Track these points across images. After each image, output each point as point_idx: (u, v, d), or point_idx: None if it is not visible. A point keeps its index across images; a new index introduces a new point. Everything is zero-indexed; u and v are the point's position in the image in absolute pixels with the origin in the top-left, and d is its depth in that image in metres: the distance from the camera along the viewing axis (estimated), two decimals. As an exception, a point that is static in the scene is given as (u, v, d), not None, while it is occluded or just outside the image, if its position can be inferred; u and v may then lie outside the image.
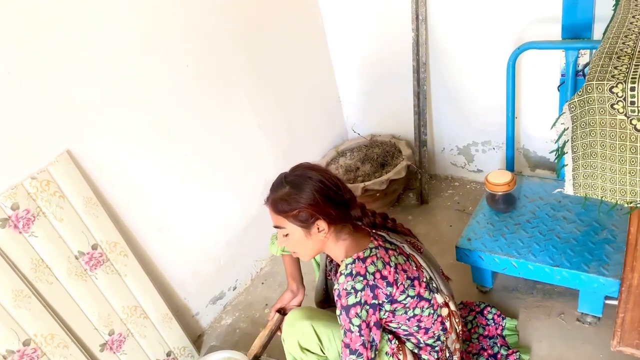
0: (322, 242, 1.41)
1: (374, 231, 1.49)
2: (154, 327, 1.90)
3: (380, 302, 1.35)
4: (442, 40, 2.36)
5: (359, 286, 1.32)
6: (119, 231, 1.75)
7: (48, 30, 1.50)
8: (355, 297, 1.32)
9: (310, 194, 1.35)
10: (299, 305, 1.73)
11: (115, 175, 1.76)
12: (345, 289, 1.33)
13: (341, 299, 1.34)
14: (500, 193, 1.96)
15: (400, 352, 1.45)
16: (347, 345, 1.35)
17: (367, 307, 1.33)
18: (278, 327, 1.67)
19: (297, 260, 1.75)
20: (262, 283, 2.44)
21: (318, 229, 1.38)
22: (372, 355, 1.36)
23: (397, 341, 1.46)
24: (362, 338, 1.33)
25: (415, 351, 1.50)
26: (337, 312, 1.36)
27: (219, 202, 2.20)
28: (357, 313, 1.32)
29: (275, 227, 1.42)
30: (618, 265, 1.66)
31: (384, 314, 1.38)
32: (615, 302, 1.52)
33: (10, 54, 1.43)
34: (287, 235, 1.41)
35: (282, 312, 1.70)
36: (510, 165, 2.22)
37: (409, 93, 2.51)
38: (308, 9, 2.56)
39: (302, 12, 2.53)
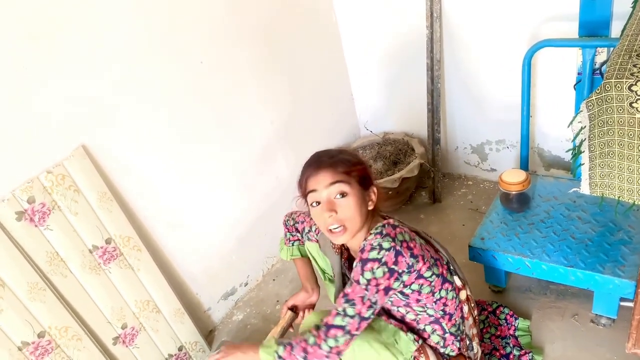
0: (368, 215, 1.38)
1: (388, 217, 1.47)
2: (166, 321, 1.92)
3: (400, 270, 1.29)
4: (457, 38, 2.35)
5: (385, 245, 1.28)
6: (133, 226, 1.76)
7: (63, 28, 1.51)
8: (378, 253, 1.27)
9: (358, 157, 1.43)
10: (314, 305, 1.73)
11: (129, 170, 1.77)
12: (371, 244, 1.29)
13: (363, 253, 1.29)
14: (514, 192, 1.94)
15: (422, 355, 1.43)
16: (345, 295, 1.30)
17: (385, 268, 1.27)
18: (290, 325, 1.67)
19: (309, 262, 1.73)
20: (274, 279, 2.44)
21: (372, 194, 1.40)
22: (366, 315, 1.29)
23: (421, 341, 1.44)
24: (365, 292, 1.28)
25: (441, 344, 1.47)
26: (354, 264, 1.32)
27: (231, 197, 2.21)
28: (372, 268, 1.27)
29: (334, 183, 1.33)
30: (634, 266, 1.64)
31: (400, 286, 1.33)
32: (630, 304, 1.50)
33: (27, 50, 1.44)
34: (344, 195, 1.33)
35: (294, 309, 1.70)
36: (524, 165, 2.20)
37: (422, 91, 2.50)
38: (322, 7, 2.56)
39: (316, 9, 2.53)
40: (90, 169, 1.62)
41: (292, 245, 1.73)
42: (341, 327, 1.28)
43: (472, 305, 1.55)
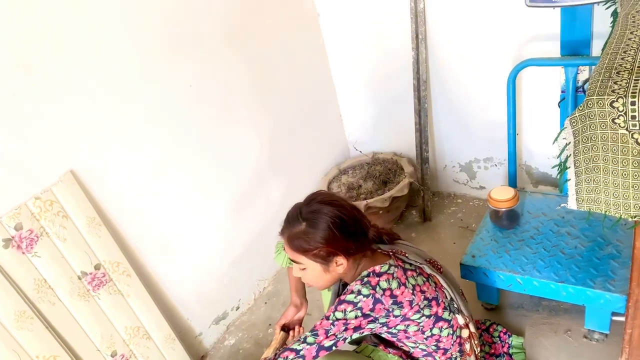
0: (340, 275, 1.41)
1: (392, 252, 1.47)
2: (157, 348, 1.89)
3: (377, 316, 1.32)
4: (442, 58, 2.39)
5: (364, 291, 1.31)
6: (122, 251, 1.75)
7: (52, 55, 1.52)
8: (355, 297, 1.31)
9: (328, 232, 1.32)
10: (302, 320, 1.72)
11: (118, 195, 1.76)
12: (351, 290, 1.33)
13: (343, 295, 1.34)
14: (503, 209, 1.95)
15: None
16: (314, 327, 1.34)
17: (359, 312, 1.31)
18: (282, 345, 1.65)
19: None
20: (265, 303, 2.42)
21: (336, 263, 1.36)
22: (326, 345, 1.32)
23: None
24: (332, 328, 1.31)
25: None
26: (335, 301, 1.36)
27: (222, 220, 2.20)
28: (345, 309, 1.31)
29: (292, 260, 1.41)
30: (624, 280, 1.65)
31: (384, 328, 1.36)
32: (622, 319, 1.50)
33: (16, 77, 1.44)
34: (304, 269, 1.39)
35: (286, 329, 1.68)
36: (512, 182, 2.22)
37: (410, 111, 2.53)
38: (309, 29, 2.59)
39: (303, 31, 2.56)
40: (79, 194, 1.61)
41: None
42: (295, 351, 1.32)
43: (476, 342, 1.54)
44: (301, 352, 1.31)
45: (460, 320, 1.48)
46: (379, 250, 1.48)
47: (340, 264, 1.36)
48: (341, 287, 1.62)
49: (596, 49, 1.87)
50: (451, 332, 1.44)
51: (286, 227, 1.39)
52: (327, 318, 1.32)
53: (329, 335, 1.31)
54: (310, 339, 1.32)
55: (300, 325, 1.71)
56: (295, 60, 2.51)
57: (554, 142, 1.19)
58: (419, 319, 1.37)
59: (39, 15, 1.47)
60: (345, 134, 2.95)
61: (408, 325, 1.37)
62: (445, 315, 1.42)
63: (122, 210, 1.78)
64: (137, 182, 1.82)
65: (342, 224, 1.34)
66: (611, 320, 1.74)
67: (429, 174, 2.60)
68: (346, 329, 1.31)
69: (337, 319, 1.31)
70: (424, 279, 1.42)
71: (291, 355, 1.31)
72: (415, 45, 2.34)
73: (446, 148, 2.67)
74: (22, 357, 1.49)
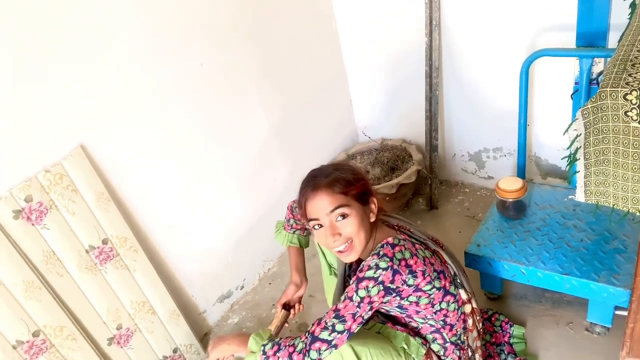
0: (371, 228, 1.40)
1: (397, 227, 1.50)
2: (162, 323, 1.92)
3: (396, 287, 1.31)
4: (455, 46, 2.36)
5: (382, 265, 1.30)
6: (130, 227, 1.77)
7: (65, 29, 1.53)
8: (375, 272, 1.30)
9: (357, 169, 1.43)
10: (301, 297, 1.74)
11: (127, 171, 1.78)
12: (369, 265, 1.31)
13: (360, 272, 1.32)
14: (510, 200, 1.95)
15: (429, 359, 1.48)
16: (336, 310, 1.32)
17: (381, 287, 1.30)
18: (284, 322, 1.68)
19: (302, 252, 1.76)
20: (270, 283, 2.44)
21: (372, 207, 1.40)
22: (355, 330, 1.32)
23: (427, 347, 1.48)
24: (357, 310, 1.30)
25: (441, 353, 1.50)
26: (351, 282, 1.34)
27: (229, 200, 2.21)
28: (367, 286, 1.29)
29: (334, 210, 1.33)
30: (628, 275, 1.64)
31: (397, 299, 1.37)
32: (625, 313, 1.50)
33: (28, 50, 1.45)
34: (345, 217, 1.34)
35: (287, 307, 1.70)
36: (521, 173, 2.21)
37: (421, 97, 2.51)
38: (322, 12, 2.57)
39: (316, 15, 2.54)
40: (88, 169, 1.63)
41: (294, 232, 1.73)
42: (327, 342, 1.31)
43: (478, 318, 1.56)
44: (333, 342, 1.31)
45: (463, 295, 1.50)
46: (386, 224, 1.51)
47: (373, 210, 1.40)
48: (347, 268, 1.64)
49: (612, 41, 1.84)
50: (457, 307, 1.46)
51: (314, 181, 1.36)
52: (351, 299, 1.30)
53: (356, 318, 1.31)
54: (339, 327, 1.31)
55: (300, 303, 1.73)
56: (306, 44, 2.49)
57: (564, 133, 1.19)
58: (430, 290, 1.37)
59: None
60: (355, 118, 2.94)
61: (420, 297, 1.37)
62: (452, 289, 1.44)
63: (130, 187, 1.80)
64: (145, 159, 1.83)
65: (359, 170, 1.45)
66: (614, 314, 1.74)
67: (438, 162, 2.59)
68: (371, 309, 1.31)
69: (362, 298, 1.30)
70: (430, 253, 1.44)
71: (324, 347, 1.31)
72: (429, 32, 2.32)
73: (456, 136, 2.66)
74: (30, 327, 1.52)
